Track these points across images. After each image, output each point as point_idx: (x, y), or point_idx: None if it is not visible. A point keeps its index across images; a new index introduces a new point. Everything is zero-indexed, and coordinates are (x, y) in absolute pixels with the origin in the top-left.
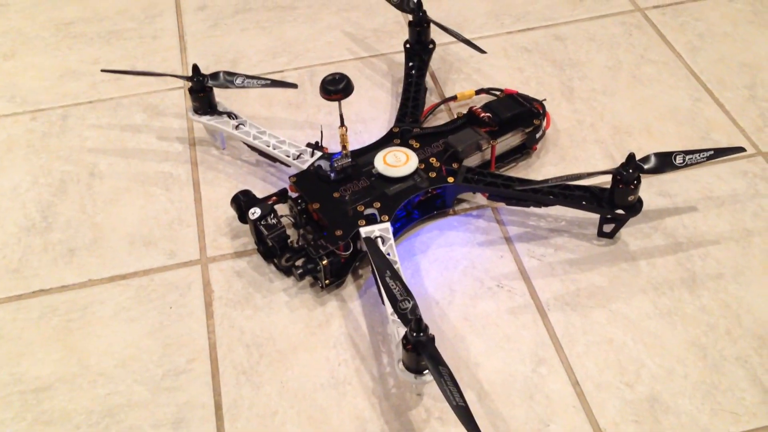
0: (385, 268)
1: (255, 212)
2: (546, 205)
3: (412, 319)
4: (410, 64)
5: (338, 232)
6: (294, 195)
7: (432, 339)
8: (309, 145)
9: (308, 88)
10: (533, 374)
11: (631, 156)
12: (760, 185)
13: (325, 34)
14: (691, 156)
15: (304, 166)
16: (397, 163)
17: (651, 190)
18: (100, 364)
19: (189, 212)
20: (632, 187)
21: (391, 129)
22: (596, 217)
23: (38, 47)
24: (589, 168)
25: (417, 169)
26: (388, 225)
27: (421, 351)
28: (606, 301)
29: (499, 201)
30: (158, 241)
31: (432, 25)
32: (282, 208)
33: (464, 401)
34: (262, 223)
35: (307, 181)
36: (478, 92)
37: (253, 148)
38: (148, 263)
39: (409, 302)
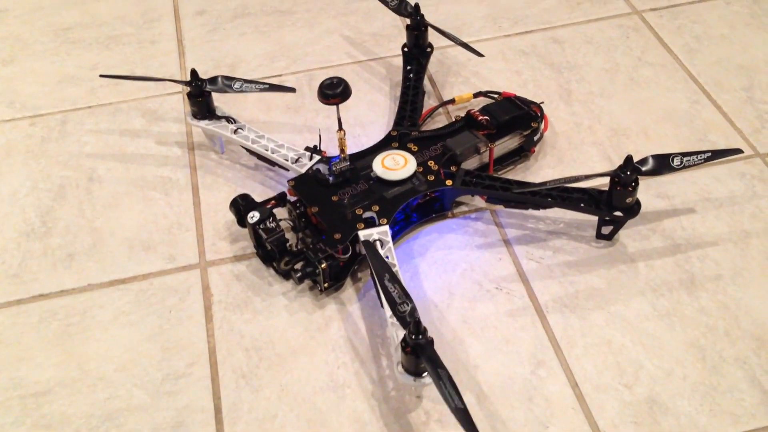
0: (384, 271)
1: (254, 216)
2: (544, 207)
3: (410, 321)
4: (408, 67)
5: (337, 236)
6: (293, 199)
7: (431, 341)
8: (307, 148)
9: (306, 92)
10: (532, 376)
11: (629, 158)
12: (758, 187)
13: (323, 39)
14: (688, 158)
15: (303, 170)
16: (396, 166)
17: (649, 192)
18: (99, 369)
19: (188, 216)
20: (630, 189)
21: (390, 132)
22: (594, 219)
23: (37, 53)
24: (587, 170)
25: (415, 172)
26: (386, 228)
27: (420, 354)
28: (604, 302)
29: (498, 203)
30: (157, 245)
31: (430, 29)
32: (281, 212)
33: (463, 404)
34: (261, 226)
35: (305, 184)
36: (476, 95)
37: (251, 152)
38: (147, 267)
39: (408, 305)
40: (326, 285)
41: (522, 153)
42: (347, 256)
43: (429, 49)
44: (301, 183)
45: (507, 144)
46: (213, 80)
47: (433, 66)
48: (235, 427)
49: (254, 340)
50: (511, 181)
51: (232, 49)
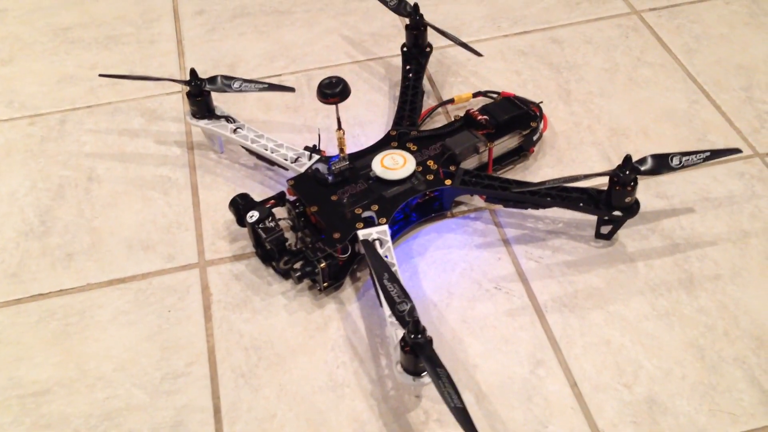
0: (383, 271)
1: (253, 215)
2: (543, 207)
3: (410, 321)
4: (407, 67)
5: (336, 235)
6: (292, 198)
7: (430, 341)
8: (307, 148)
9: (306, 92)
10: (531, 376)
11: (628, 158)
12: (757, 186)
13: (322, 38)
14: (687, 157)
15: (302, 170)
16: (395, 165)
17: (648, 191)
18: (98, 368)
19: (187, 216)
20: (629, 188)
21: (389, 132)
22: (594, 218)
23: (36, 52)
24: (586, 170)
25: (414, 171)
26: (385, 228)
27: (419, 353)
28: (604, 302)
29: (497, 203)
30: (156, 244)
31: (429, 29)
32: (280, 212)
33: (462, 403)
34: (260, 226)
35: (304, 184)
36: (475, 95)
37: (251, 152)
38: (146, 267)
39: (407, 304)
40: (325, 284)
41: (521, 153)
42: (346, 255)
43: (428, 49)
44: (300, 182)
45: (506, 144)
46: (212, 80)
47: (432, 66)
48: (235, 426)
49: (253, 339)
50: (510, 180)
51: (231, 49)
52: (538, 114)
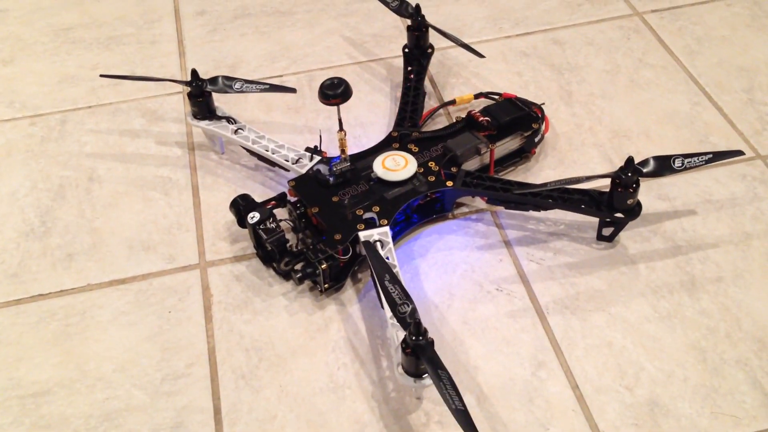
0: (384, 272)
1: (254, 216)
2: (545, 208)
3: (411, 322)
4: (409, 68)
5: (337, 236)
6: (293, 199)
7: (431, 343)
8: (308, 149)
9: (307, 93)
10: (533, 378)
11: (630, 159)
12: (759, 188)
13: (324, 39)
14: (689, 159)
15: (303, 171)
16: (396, 167)
17: (650, 193)
18: (98, 369)
19: (188, 217)
20: (631, 190)
21: (390, 133)
22: (595, 220)
23: (37, 53)
24: (587, 171)
25: (416, 173)
26: (387, 229)
27: (421, 355)
28: (605, 304)
29: (498, 205)
30: (157, 245)
31: (431, 30)
32: (281, 213)
33: (464, 405)
34: (261, 227)
35: (306, 185)
36: (476, 96)
37: (252, 153)
38: (147, 268)
39: (408, 306)
40: (326, 286)
41: (523, 154)
42: (347, 256)
43: (430, 50)
44: (301, 183)
45: (508, 145)
46: (213, 80)
47: (433, 67)
48: (235, 427)
49: (254, 340)
50: (511, 182)
51: (232, 50)
52: (539, 115)
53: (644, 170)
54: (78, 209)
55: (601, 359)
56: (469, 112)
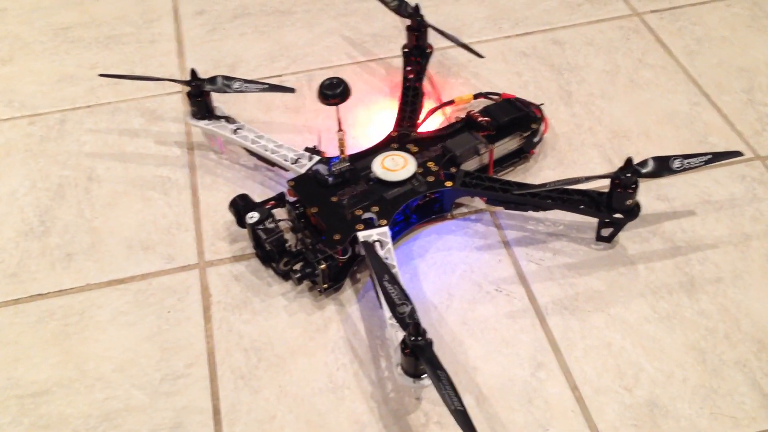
0: (384, 273)
1: (253, 216)
2: (544, 209)
3: (410, 323)
4: (408, 68)
5: (336, 237)
6: (292, 199)
7: (430, 343)
8: (307, 149)
9: (306, 93)
10: (532, 378)
11: (629, 160)
12: (759, 189)
13: (323, 39)
14: (689, 160)
15: (303, 171)
16: (396, 167)
17: (649, 194)
18: (97, 369)
19: (187, 216)
20: (630, 191)
21: (389, 133)
22: (594, 221)
23: (36, 52)
24: (587, 172)
25: (415, 173)
26: (386, 229)
27: (420, 355)
28: (604, 305)
29: (498, 205)
30: (156, 245)
31: (430, 30)
32: (280, 213)
33: (463, 405)
34: (260, 227)
35: (305, 185)
36: (476, 96)
37: (251, 153)
38: (146, 267)
39: (408, 306)
40: (325, 286)
41: (522, 154)
42: (346, 257)
43: (429, 50)
44: (300, 183)
45: (507, 145)
46: (212, 80)
47: (433, 67)
48: (234, 428)
49: (253, 340)
50: (511, 182)
51: (231, 49)
52: (539, 116)
53: (643, 171)
54: (77, 209)
55: (601, 360)
56: (469, 113)
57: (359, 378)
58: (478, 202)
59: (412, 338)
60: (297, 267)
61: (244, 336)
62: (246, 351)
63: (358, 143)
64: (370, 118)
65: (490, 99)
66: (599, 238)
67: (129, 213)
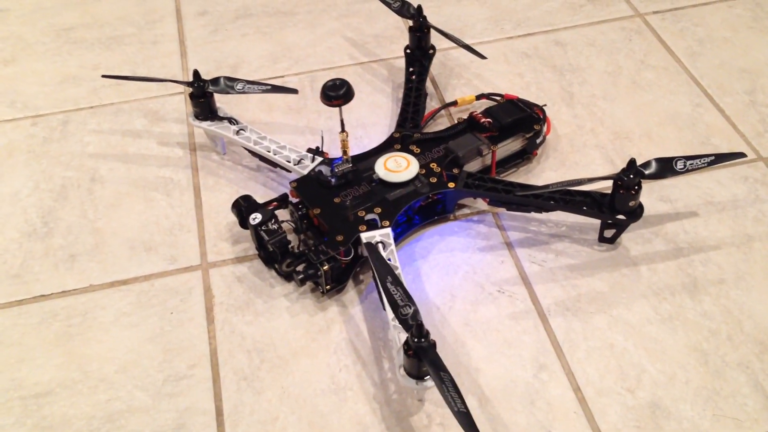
0: (386, 274)
1: (256, 218)
2: (547, 210)
3: (413, 324)
4: (411, 69)
5: (339, 238)
6: (295, 200)
7: (433, 344)
8: (310, 150)
9: (309, 94)
10: (534, 380)
11: (632, 161)
12: (761, 190)
13: (325, 40)
14: (691, 161)
15: (305, 172)
16: (398, 168)
17: (652, 195)
18: (100, 370)
19: (190, 217)
20: (633, 192)
21: (392, 134)
22: (597, 222)
23: (39, 53)
24: (589, 173)
25: (418, 174)
26: (388, 230)
27: (422, 356)
28: (607, 306)
29: (500, 206)
30: (159, 246)
31: (432, 31)
32: (283, 214)
33: (465, 407)
34: (263, 228)
35: (307, 186)
36: (478, 97)
37: (253, 154)
38: (148, 268)
39: (410, 308)
40: (328, 287)
41: (524, 155)
42: (349, 258)
43: (431, 51)
44: (303, 184)
45: (509, 146)
46: (215, 81)
47: (435, 68)
48: (237, 429)
49: (256, 342)
50: (513, 183)
51: (234, 50)
52: (541, 117)
53: (646, 172)
54: (80, 210)
55: (603, 361)
56: (471, 114)
57: (362, 379)
58: (481, 204)
59: (415, 339)
60: (300, 268)
61: (246, 337)
62: (249, 352)
63: (360, 144)
64: (373, 120)
65: (493, 100)
66: (602, 240)
67: (132, 214)
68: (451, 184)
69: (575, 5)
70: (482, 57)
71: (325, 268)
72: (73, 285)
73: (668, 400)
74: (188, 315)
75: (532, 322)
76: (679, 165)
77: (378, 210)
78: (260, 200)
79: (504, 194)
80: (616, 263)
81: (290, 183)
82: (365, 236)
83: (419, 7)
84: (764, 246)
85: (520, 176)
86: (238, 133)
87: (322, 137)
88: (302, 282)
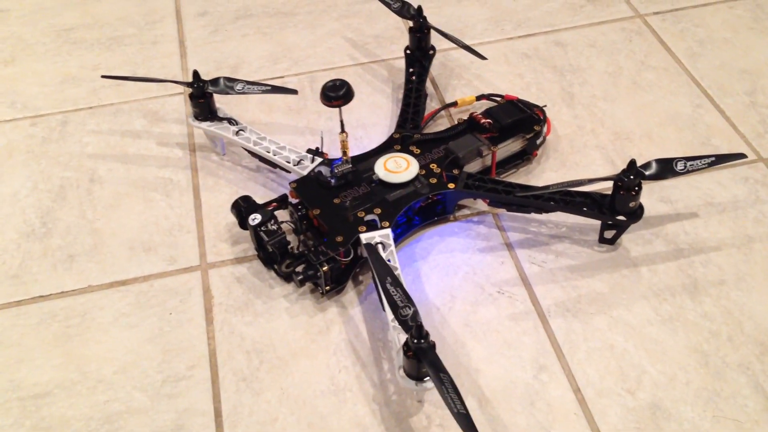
0: (386, 275)
1: (255, 218)
2: (547, 211)
3: (412, 325)
4: (411, 70)
5: (339, 238)
6: (294, 201)
7: (433, 345)
8: (309, 151)
9: (308, 94)
10: (534, 381)
11: (633, 162)
12: (761, 191)
13: (325, 40)
14: (692, 162)
15: (305, 172)
16: (398, 169)
17: (652, 196)
18: (99, 371)
19: (189, 218)
20: (633, 193)
21: (392, 135)
22: (597, 223)
23: (39, 53)
24: (589, 174)
25: (418, 175)
26: (388, 231)
27: (422, 358)
28: (607, 307)
29: (500, 207)
30: (158, 247)
31: (432, 31)
32: (282, 214)
33: (465, 408)
34: (263, 229)
35: (307, 187)
36: (478, 98)
37: (253, 154)
38: (147, 269)
39: (410, 309)
40: (327, 288)
41: (524, 156)
42: (349, 259)
43: (431, 52)
44: (302, 185)
45: (510, 147)
46: (215, 81)
47: (435, 68)
48: (236, 430)
49: (255, 342)
50: (513, 184)
51: (234, 51)
52: (541, 117)
53: (646, 173)
54: (79, 210)
55: (603, 362)
56: (471, 114)
57: (361, 380)
58: (481, 204)
59: (415, 341)
60: (299, 269)
61: (245, 338)
62: (248, 353)
63: (360, 145)
64: (373, 120)
65: (493, 101)
66: (602, 240)
67: (131, 214)
68: (451, 185)
69: (575, 6)
70: (482, 58)
71: (324, 268)
72: (72, 285)
73: (668, 401)
74: (187, 316)
75: (532, 323)
76: (680, 166)
77: (378, 211)
78: (260, 201)
79: (504, 195)
80: (616, 264)
81: (290, 183)
82: (365, 237)
83: (419, 8)
84: (765, 247)
85: (520, 177)
86: (237, 133)
87: (322, 138)
88: (302, 283)
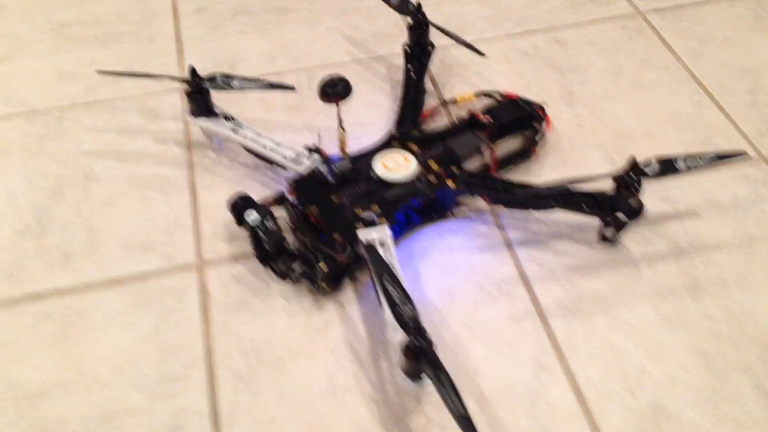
0: (384, 273)
1: (252, 216)
2: (547, 209)
3: (411, 325)
4: (409, 66)
5: (337, 237)
6: (292, 199)
7: (432, 345)
8: (307, 148)
9: (307, 91)
10: (534, 381)
11: (633, 160)
12: (763, 190)
13: (324, 37)
14: (693, 160)
15: (303, 170)
16: (397, 166)
17: (652, 195)
18: (95, 370)
19: (186, 216)
20: (634, 191)
21: (391, 132)
22: (597, 221)
23: (35, 49)
24: (589, 172)
25: (416, 172)
26: (387, 229)
27: (421, 357)
28: (607, 307)
29: (500, 205)
30: (155, 245)
31: (432, 28)
32: (280, 212)
33: (465, 408)
34: (260, 227)
35: (305, 184)
36: (477, 96)
37: (250, 151)
38: (144, 267)
39: (409, 308)
40: (325, 286)
41: (524, 154)
42: (347, 257)
43: (430, 49)
44: (300, 183)
45: (509, 145)
46: (212, 78)
47: (434, 66)
48: (233, 430)
49: (253, 342)
50: (513, 182)
51: (231, 47)
52: (541, 115)
53: (647, 171)
54: (75, 208)
55: (604, 362)
56: (471, 112)
57: (360, 380)
58: (480, 202)
59: (414, 340)
60: (297, 267)
61: (243, 337)
62: (245, 352)
63: (359, 142)
64: (371, 117)
65: (492, 98)
66: (602, 239)
67: (127, 212)
68: (451, 183)
69: (576, 3)
70: (481, 54)
71: (322, 266)
72: (67, 284)
73: (669, 401)
74: (184, 314)
75: (531, 322)
76: (680, 164)
77: (376, 208)
78: (257, 198)
79: (504, 193)
80: (616, 263)
81: (287, 181)
82: (363, 235)
83: (419, 5)
84: (766, 246)
85: (519, 175)
86: (234, 130)
87: (320, 135)
88: (299, 281)
